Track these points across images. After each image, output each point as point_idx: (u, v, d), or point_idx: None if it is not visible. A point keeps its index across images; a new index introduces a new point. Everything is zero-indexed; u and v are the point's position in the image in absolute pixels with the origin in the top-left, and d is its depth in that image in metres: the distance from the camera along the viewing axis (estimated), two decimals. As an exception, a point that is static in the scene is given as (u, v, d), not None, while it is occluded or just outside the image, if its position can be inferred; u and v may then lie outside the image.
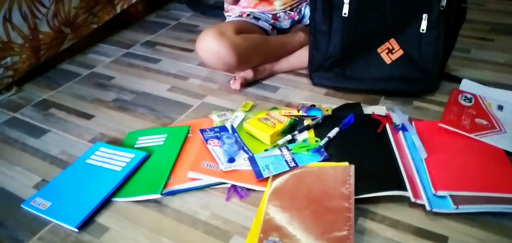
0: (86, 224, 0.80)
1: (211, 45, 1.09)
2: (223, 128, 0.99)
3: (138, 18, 1.76)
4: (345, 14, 1.06)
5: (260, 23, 1.25)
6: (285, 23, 1.30)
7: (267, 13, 1.28)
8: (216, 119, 1.04)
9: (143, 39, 1.59)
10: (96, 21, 1.50)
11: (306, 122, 1.01)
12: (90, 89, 1.29)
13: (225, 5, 1.33)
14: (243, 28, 1.17)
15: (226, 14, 1.35)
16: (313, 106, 1.07)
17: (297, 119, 1.02)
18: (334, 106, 1.06)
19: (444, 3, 1.02)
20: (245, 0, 1.28)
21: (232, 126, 1.00)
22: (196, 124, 1.04)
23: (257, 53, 1.18)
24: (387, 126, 0.96)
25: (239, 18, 1.26)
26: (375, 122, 0.99)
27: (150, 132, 1.04)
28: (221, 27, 1.12)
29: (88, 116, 1.15)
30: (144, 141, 1.00)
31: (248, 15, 1.28)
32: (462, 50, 1.30)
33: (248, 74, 1.20)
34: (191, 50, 1.46)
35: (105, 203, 0.84)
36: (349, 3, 1.05)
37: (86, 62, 1.45)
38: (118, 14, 1.58)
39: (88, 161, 0.94)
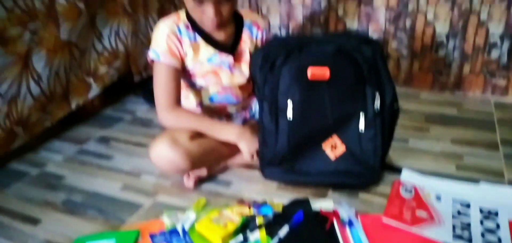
0: None
1: (165, 153, 1.11)
2: (173, 231, 0.99)
3: (94, 112, 1.77)
4: (289, 117, 1.13)
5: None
6: (237, 121, 1.36)
7: (220, 115, 1.34)
8: (167, 221, 1.04)
9: (98, 134, 1.59)
10: (50, 119, 1.50)
11: (258, 220, 1.03)
12: (39, 190, 1.25)
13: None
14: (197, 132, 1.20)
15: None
16: (264, 202, 1.10)
17: (249, 217, 1.04)
18: (285, 201, 1.10)
19: (378, 105, 1.12)
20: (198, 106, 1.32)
21: (183, 229, 1.00)
22: (146, 227, 1.03)
23: (210, 156, 1.21)
24: (335, 222, 1.00)
25: None
26: (323, 218, 1.02)
27: (98, 237, 1.01)
28: (175, 134, 1.14)
29: (35, 221, 1.11)
30: (91, 248, 0.97)
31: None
32: (401, 140, 1.40)
33: (202, 172, 1.22)
34: (145, 145, 1.47)
35: None
36: (293, 108, 1.13)
37: (37, 160, 1.42)
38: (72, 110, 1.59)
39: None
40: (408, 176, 1.20)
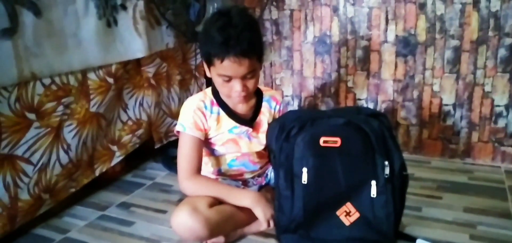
0: None
1: (185, 221, 1.17)
2: None
3: (115, 178, 1.84)
4: (304, 181, 1.19)
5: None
6: (253, 188, 1.42)
7: (237, 180, 1.41)
8: (186, 288, 1.07)
9: (119, 200, 1.66)
10: (75, 185, 1.58)
11: (274, 287, 1.05)
12: (63, 256, 1.30)
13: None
14: (215, 198, 1.27)
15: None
16: (280, 269, 1.13)
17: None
18: (301, 269, 1.12)
19: (387, 172, 1.17)
20: (217, 172, 1.41)
21: None
22: (167, 293, 1.06)
23: (229, 224, 1.26)
24: (350, 289, 1.02)
25: None
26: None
27: None
28: (195, 203, 1.21)
29: (58, 287, 1.15)
30: None
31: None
32: (414, 208, 1.43)
33: (220, 240, 1.27)
34: (164, 211, 1.53)
35: None
36: (307, 172, 1.19)
37: (61, 226, 1.48)
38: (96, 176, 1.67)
39: None
40: (421, 245, 1.22)
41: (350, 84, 2.00)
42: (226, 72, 1.20)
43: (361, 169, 1.19)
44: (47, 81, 1.39)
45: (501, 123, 1.75)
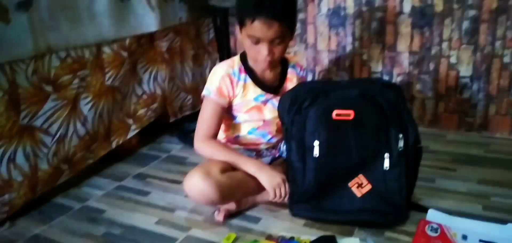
0: None
1: (198, 184, 1.19)
2: (206, 263, 1.05)
3: (131, 151, 1.88)
4: (316, 155, 1.20)
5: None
6: (266, 159, 1.44)
7: (251, 150, 1.42)
8: (200, 254, 1.10)
9: (135, 171, 1.70)
10: (92, 157, 1.62)
11: (285, 255, 1.07)
12: (81, 223, 1.35)
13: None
14: (228, 164, 1.29)
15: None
16: (292, 238, 1.14)
17: (277, 252, 1.09)
18: (312, 238, 1.14)
19: (401, 144, 1.16)
20: (233, 139, 1.43)
21: (215, 261, 1.06)
22: (181, 259, 1.10)
23: (240, 190, 1.28)
24: (360, 258, 1.03)
25: None
26: (349, 254, 1.06)
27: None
28: (208, 167, 1.24)
29: (78, 252, 1.20)
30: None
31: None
32: (427, 180, 1.42)
33: (231, 206, 1.29)
34: (179, 182, 1.56)
35: None
36: (319, 146, 1.19)
37: (80, 195, 1.53)
38: (112, 149, 1.71)
39: None
40: (434, 216, 1.22)
41: (365, 57, 1.97)
42: (256, 33, 1.22)
43: (374, 142, 1.19)
44: (62, 54, 1.42)
45: (520, 95, 1.71)
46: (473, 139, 1.78)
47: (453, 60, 1.79)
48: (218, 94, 1.32)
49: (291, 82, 1.41)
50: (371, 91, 1.21)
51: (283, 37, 1.25)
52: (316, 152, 1.20)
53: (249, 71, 1.36)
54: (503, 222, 1.17)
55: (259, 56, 1.27)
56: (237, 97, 1.35)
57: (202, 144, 1.33)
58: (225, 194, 1.22)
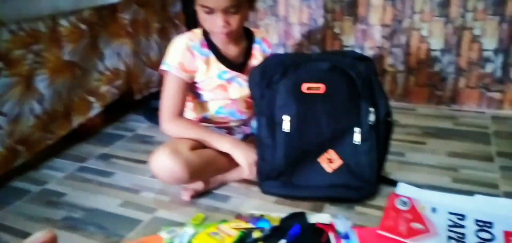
0: None
1: (166, 163, 1.13)
2: (172, 246, 1.00)
3: (95, 130, 1.80)
4: (286, 130, 1.16)
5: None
6: (238, 137, 1.39)
7: (222, 128, 1.37)
8: (165, 237, 1.05)
9: (99, 152, 1.62)
10: (51, 137, 1.53)
11: (255, 234, 1.04)
12: (40, 207, 1.27)
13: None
14: (198, 141, 1.24)
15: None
16: (262, 216, 1.11)
17: (247, 231, 1.05)
18: (282, 215, 1.11)
19: (372, 118, 1.14)
20: (201, 118, 1.37)
21: (181, 243, 1.01)
22: (144, 242, 1.05)
23: (210, 168, 1.24)
24: (331, 235, 1.01)
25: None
26: (320, 231, 1.03)
27: (98, 253, 1.03)
28: (176, 145, 1.18)
29: (35, 238, 1.13)
30: (91, 264, 0.98)
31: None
32: (397, 154, 1.42)
33: (199, 185, 1.24)
34: (145, 162, 1.49)
35: None
36: (289, 121, 1.15)
37: (39, 178, 1.44)
38: (74, 128, 1.62)
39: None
40: (404, 189, 1.21)
41: (336, 30, 1.93)
42: (208, 2, 1.16)
43: (345, 116, 1.16)
44: (14, 27, 1.31)
45: (489, 68, 1.72)
46: (443, 112, 1.79)
47: (424, 32, 1.77)
48: (180, 69, 1.24)
49: (256, 60, 1.34)
50: (342, 64, 1.17)
51: (238, 6, 1.18)
52: (286, 127, 1.16)
53: (212, 46, 1.28)
54: (471, 193, 1.18)
55: (215, 27, 1.20)
56: (199, 72, 1.28)
57: (169, 124, 1.26)
58: (194, 172, 1.17)
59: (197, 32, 1.29)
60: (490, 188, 1.22)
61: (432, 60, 1.80)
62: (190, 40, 1.26)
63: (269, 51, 1.38)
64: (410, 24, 1.79)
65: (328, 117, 1.16)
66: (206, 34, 1.28)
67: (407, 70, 1.86)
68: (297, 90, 1.15)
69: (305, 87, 1.15)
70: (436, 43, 1.77)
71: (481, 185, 1.24)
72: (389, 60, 1.88)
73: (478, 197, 1.16)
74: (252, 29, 1.37)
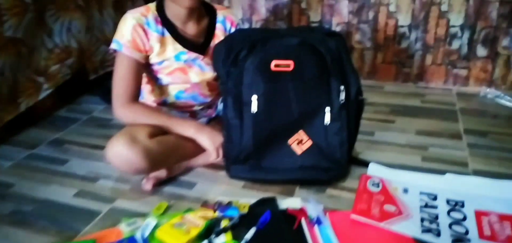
0: None
1: (123, 152, 1.03)
2: (132, 240, 0.92)
3: (46, 114, 1.65)
4: (254, 110, 1.09)
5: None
6: (202, 121, 1.30)
7: (184, 112, 1.28)
8: (125, 229, 0.97)
9: (50, 137, 1.49)
10: (-5, 122, 1.39)
11: (223, 223, 0.98)
12: (-17, 201, 1.15)
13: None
14: (158, 128, 1.14)
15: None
16: (229, 203, 1.05)
17: (214, 220, 0.99)
18: (251, 201, 1.05)
19: (342, 97, 1.09)
20: (161, 102, 1.27)
21: (142, 237, 0.93)
22: (102, 236, 0.96)
23: (173, 156, 1.15)
24: (303, 221, 0.96)
25: None
26: (291, 217, 0.99)
27: (50, 250, 0.93)
28: (134, 132, 1.07)
29: (-23, 237, 1.01)
30: (41, 264, 0.89)
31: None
32: (367, 133, 1.39)
33: (161, 173, 1.16)
34: (102, 147, 1.36)
35: None
36: (257, 100, 1.09)
37: (-19, 168, 1.31)
38: (23, 111, 1.47)
39: None
40: (375, 170, 1.19)
41: (303, 5, 1.87)
42: None
43: (315, 95, 1.11)
44: None
45: (455, 44, 1.72)
46: (410, 90, 1.79)
47: (392, 8, 1.74)
48: (131, 48, 1.12)
49: (219, 40, 1.22)
50: (312, 40, 1.11)
51: None
52: (254, 107, 1.10)
53: (167, 23, 1.16)
54: (442, 172, 1.17)
55: None
56: (153, 52, 1.16)
57: (123, 109, 1.14)
58: (155, 161, 1.08)
59: (152, 6, 1.17)
60: (459, 167, 1.21)
61: (399, 36, 1.78)
62: (142, 16, 1.13)
63: (233, 30, 1.26)
64: (378, -1, 1.75)
65: (298, 95, 1.10)
66: (160, 9, 1.16)
67: (375, 47, 1.83)
68: (265, 67, 1.08)
69: (273, 64, 1.08)
70: (404, 19, 1.74)
71: (451, 163, 1.23)
72: (357, 37, 1.84)
73: (448, 176, 1.15)
74: (216, 6, 1.27)
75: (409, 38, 1.77)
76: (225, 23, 1.25)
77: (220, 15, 1.25)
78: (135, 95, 1.16)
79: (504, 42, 1.65)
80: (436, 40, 1.73)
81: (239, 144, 1.13)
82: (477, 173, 1.18)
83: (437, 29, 1.72)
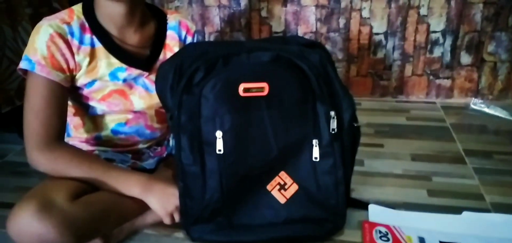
0: None
1: (32, 225, 0.70)
2: None
3: None
4: (220, 151, 0.81)
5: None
6: (150, 163, 0.99)
7: (125, 152, 0.96)
8: None
9: None
10: None
11: None
12: None
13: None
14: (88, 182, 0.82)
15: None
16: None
17: None
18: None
19: (334, 125, 0.84)
20: (93, 140, 0.94)
21: None
22: None
23: (107, 221, 0.82)
24: None
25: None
26: None
27: None
28: (49, 193, 0.74)
29: None
30: None
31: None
32: (355, 163, 1.14)
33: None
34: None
35: None
36: (223, 137, 0.81)
37: None
38: None
39: None
40: (377, 214, 0.95)
41: (264, 13, 1.62)
42: None
43: (298, 125, 0.86)
44: None
45: (437, 52, 1.54)
46: (390, 105, 1.59)
47: (365, 13, 1.54)
48: (48, 67, 0.81)
49: (171, 52, 0.95)
50: (288, 53, 0.85)
51: None
52: (219, 147, 0.81)
53: (98, 30, 0.86)
54: (456, 210, 0.95)
55: None
56: (80, 70, 0.85)
57: (41, 155, 0.81)
58: (82, 233, 0.75)
59: (76, 9, 0.86)
60: (475, 201, 1.00)
61: (375, 45, 1.57)
62: (63, 23, 0.82)
63: (189, 39, 0.99)
64: (349, 4, 1.54)
65: (276, 126, 0.84)
66: (88, 12, 0.85)
67: (348, 58, 1.62)
68: (231, 93, 0.82)
69: (241, 88, 0.81)
70: (379, 26, 1.55)
71: (463, 197, 1.01)
72: (326, 47, 1.61)
73: (466, 214, 0.93)
74: (167, 10, 0.98)
75: (386, 47, 1.57)
76: (179, 30, 0.97)
77: (171, 20, 0.96)
78: (58, 133, 0.83)
79: (490, 47, 1.50)
80: (416, 48, 1.55)
81: (201, 198, 0.84)
82: (496, 207, 0.97)
83: (417, 35, 1.53)
